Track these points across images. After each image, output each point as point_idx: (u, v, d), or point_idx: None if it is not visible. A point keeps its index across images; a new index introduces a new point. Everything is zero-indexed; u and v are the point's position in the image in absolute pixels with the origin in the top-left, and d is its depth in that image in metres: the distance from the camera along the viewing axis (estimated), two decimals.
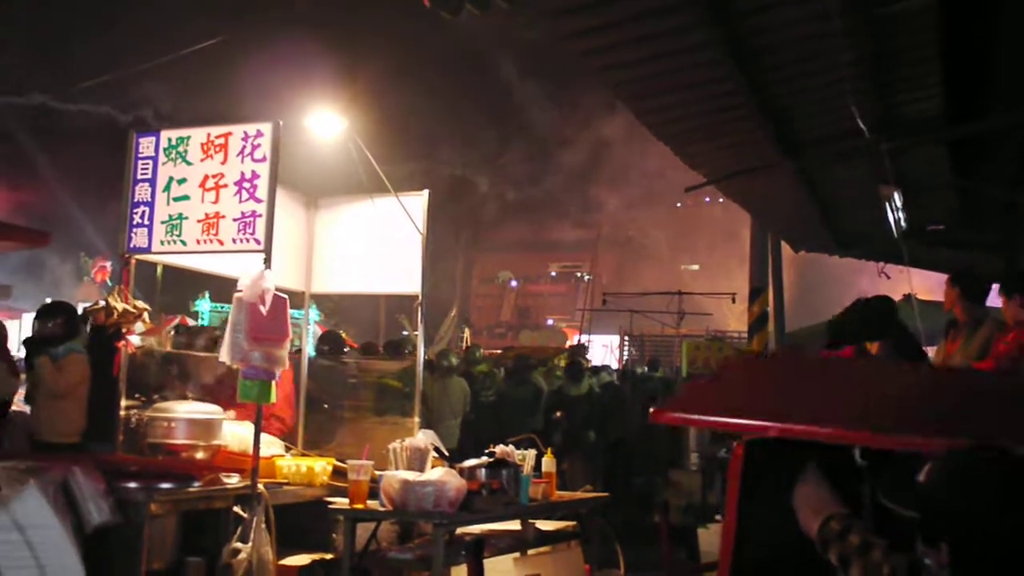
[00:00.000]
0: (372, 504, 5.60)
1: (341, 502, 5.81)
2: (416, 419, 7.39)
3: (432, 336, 19.98)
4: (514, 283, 48.15)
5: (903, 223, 8.76)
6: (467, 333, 26.13)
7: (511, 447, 6.25)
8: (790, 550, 2.75)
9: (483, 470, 5.69)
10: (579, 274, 45.58)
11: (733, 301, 22.05)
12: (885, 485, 2.72)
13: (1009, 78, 6.82)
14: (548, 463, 6.48)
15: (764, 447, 2.88)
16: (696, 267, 42.89)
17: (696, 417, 3.20)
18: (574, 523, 6.89)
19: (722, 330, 26.50)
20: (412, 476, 5.32)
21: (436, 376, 11.75)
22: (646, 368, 17.80)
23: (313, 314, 8.44)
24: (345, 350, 10.19)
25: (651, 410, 2.93)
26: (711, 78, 6.21)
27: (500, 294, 47.84)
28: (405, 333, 18.89)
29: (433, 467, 5.81)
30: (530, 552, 6.31)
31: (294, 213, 7.69)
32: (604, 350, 30.58)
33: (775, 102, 6.82)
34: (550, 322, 41.78)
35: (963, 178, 8.50)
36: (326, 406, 8.20)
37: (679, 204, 42.33)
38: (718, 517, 8.75)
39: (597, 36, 5.60)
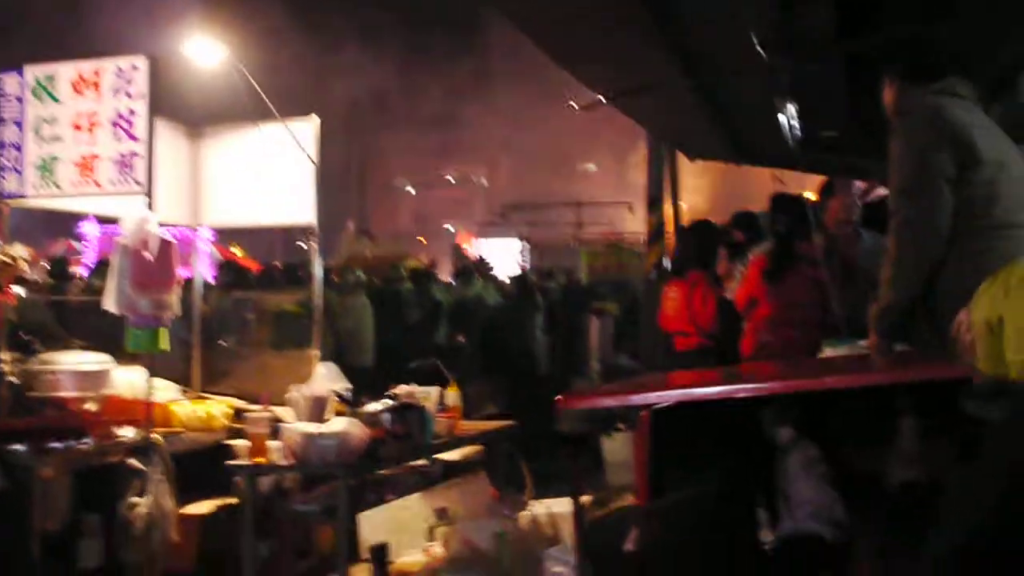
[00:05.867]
0: (273, 445, 5.45)
1: (243, 446, 5.67)
2: (316, 351, 7.20)
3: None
4: (410, 189, 47.55)
5: (798, 132, 8.79)
6: (368, 245, 25.61)
7: (413, 385, 6.14)
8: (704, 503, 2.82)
9: (387, 415, 5.54)
10: (475, 179, 45.16)
11: (630, 210, 22.09)
12: None
13: None
14: (452, 396, 6.37)
15: (670, 414, 2.88)
16: (592, 167, 42.88)
17: (603, 400, 3.19)
18: (479, 447, 6.89)
19: (618, 233, 26.51)
20: (313, 428, 5.18)
21: (344, 295, 11.40)
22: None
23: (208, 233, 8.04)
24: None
25: (558, 397, 2.89)
26: None
27: (397, 201, 47.21)
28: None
29: (336, 413, 5.67)
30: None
31: (177, 145, 7.31)
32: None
33: (670, 15, 6.68)
34: (450, 228, 41.54)
35: (856, 87, 8.52)
36: (222, 342, 7.97)
37: (575, 107, 42.13)
38: (620, 426, 8.87)
39: None
